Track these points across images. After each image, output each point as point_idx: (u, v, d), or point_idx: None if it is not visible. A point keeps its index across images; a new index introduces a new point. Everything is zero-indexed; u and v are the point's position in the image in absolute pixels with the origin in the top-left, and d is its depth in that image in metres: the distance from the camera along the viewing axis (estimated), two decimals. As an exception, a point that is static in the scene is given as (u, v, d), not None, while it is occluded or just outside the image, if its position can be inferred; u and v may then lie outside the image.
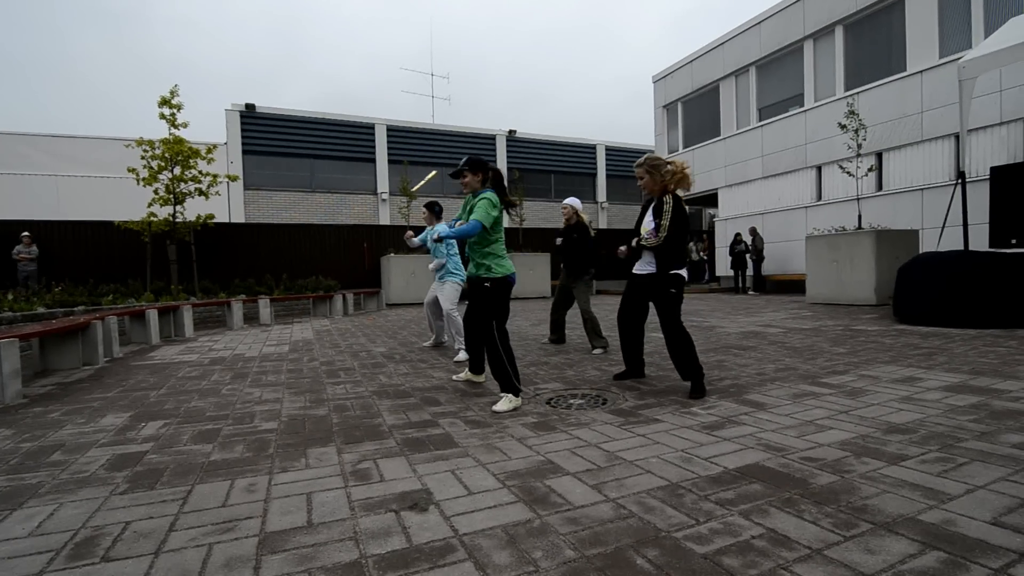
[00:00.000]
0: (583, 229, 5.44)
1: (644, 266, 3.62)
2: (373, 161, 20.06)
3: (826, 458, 2.19)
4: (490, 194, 3.43)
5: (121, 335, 6.74)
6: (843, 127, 9.53)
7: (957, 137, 10.31)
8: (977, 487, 1.86)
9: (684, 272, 3.55)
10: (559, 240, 5.61)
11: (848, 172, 9.62)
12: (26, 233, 11.20)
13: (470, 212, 3.46)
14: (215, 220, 11.86)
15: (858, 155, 9.57)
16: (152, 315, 6.86)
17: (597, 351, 5.23)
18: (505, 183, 3.63)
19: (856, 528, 1.60)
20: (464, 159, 3.53)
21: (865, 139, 9.63)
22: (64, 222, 12.57)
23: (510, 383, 3.34)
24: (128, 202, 12.41)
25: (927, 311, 6.19)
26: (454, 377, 4.12)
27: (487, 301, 3.44)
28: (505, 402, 3.29)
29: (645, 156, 3.59)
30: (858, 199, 10.13)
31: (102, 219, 12.63)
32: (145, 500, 2.01)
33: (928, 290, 6.26)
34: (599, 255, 5.73)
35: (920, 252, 9.38)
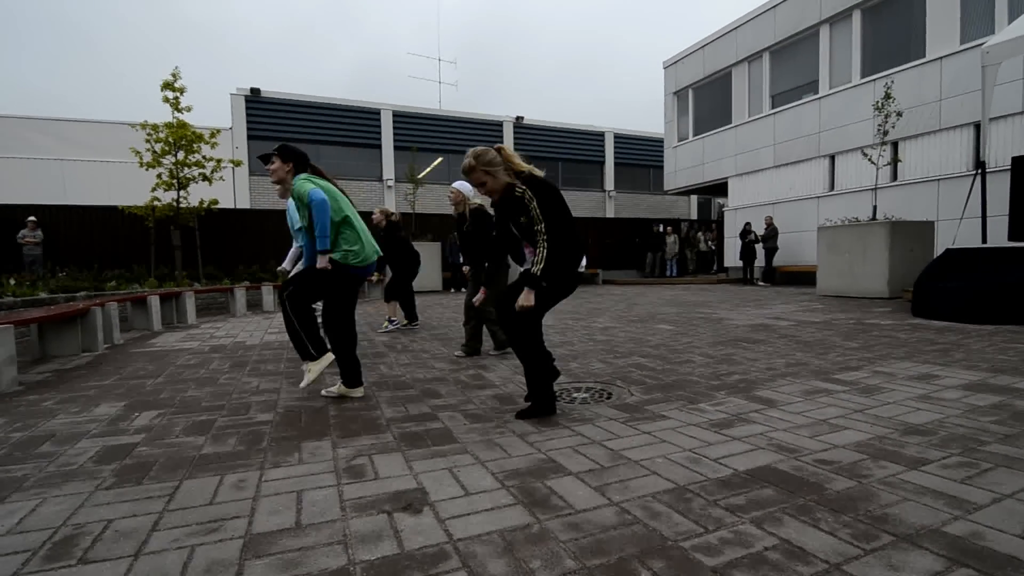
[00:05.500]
0: (480, 215, 4.64)
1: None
2: (379, 147, 19.91)
3: (841, 461, 2.09)
4: (298, 178, 3.04)
5: (123, 321, 6.72)
6: (878, 108, 9.21)
7: (976, 126, 10.04)
8: (1004, 495, 1.75)
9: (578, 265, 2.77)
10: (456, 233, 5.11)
11: (871, 160, 9.34)
12: (31, 217, 11.19)
13: (305, 207, 3.07)
14: (219, 206, 11.79)
15: (883, 142, 9.29)
16: (154, 301, 6.82)
17: (458, 354, 4.61)
18: (333, 182, 3.18)
19: (877, 540, 1.50)
20: (278, 145, 3.17)
21: (895, 125, 9.30)
22: (69, 207, 12.55)
23: (306, 350, 3.16)
24: (133, 187, 12.36)
25: (948, 308, 6.04)
26: (323, 392, 3.35)
27: (320, 277, 3.08)
28: (308, 375, 3.18)
29: (473, 155, 2.72)
30: (875, 189, 9.89)
31: (107, 204, 12.59)
32: (130, 496, 1.94)
33: (948, 286, 6.10)
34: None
35: (935, 244, 9.19)
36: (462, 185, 4.68)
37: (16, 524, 1.74)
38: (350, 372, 3.26)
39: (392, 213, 6.70)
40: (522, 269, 2.86)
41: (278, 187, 3.48)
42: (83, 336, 5.09)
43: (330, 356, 3.24)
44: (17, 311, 5.18)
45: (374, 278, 5.88)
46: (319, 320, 3.26)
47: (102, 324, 5.36)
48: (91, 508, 1.85)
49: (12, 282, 6.79)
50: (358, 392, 3.30)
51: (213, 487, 2.00)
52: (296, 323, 3.14)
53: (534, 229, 2.61)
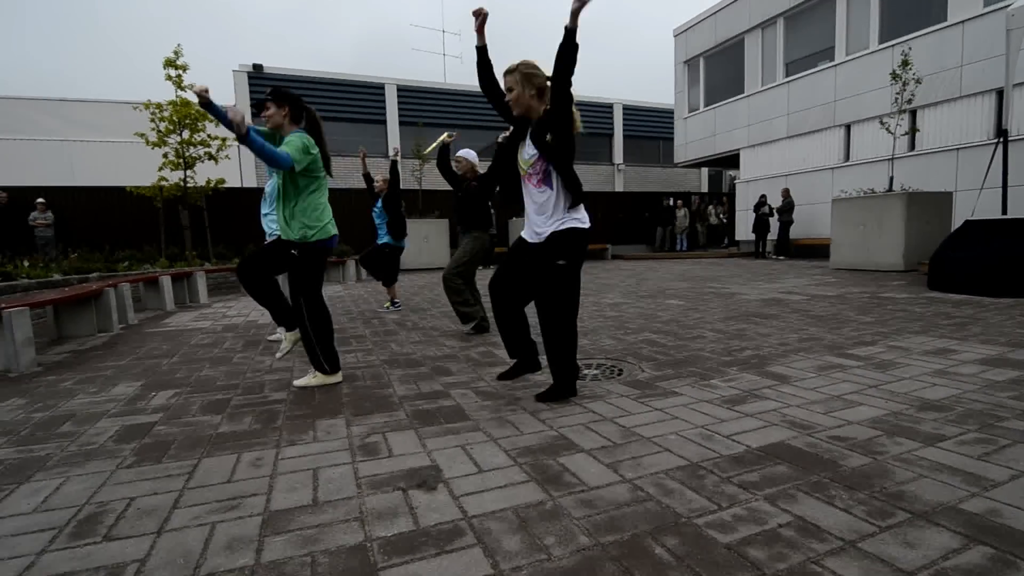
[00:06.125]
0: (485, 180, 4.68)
1: (534, 232, 2.63)
2: (384, 123, 19.69)
3: (856, 437, 2.08)
4: (301, 134, 2.94)
5: (136, 301, 6.78)
6: (895, 76, 8.93)
7: (999, 93, 9.70)
8: (1022, 472, 1.73)
9: (585, 223, 2.58)
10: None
11: (888, 129, 9.09)
12: (41, 199, 11.25)
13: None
14: (226, 185, 11.78)
15: (901, 111, 9.02)
16: (166, 281, 6.87)
17: (466, 327, 4.59)
18: (323, 133, 3.05)
19: (892, 517, 1.49)
20: (270, 89, 2.97)
21: (915, 94, 9.01)
22: (78, 188, 12.59)
23: (318, 362, 3.10)
24: (140, 167, 12.35)
25: (965, 280, 5.95)
26: (277, 356, 3.46)
27: (296, 272, 3.05)
28: (309, 377, 3.12)
29: (522, 62, 2.52)
30: (892, 159, 9.65)
31: (115, 184, 12.61)
32: (151, 474, 1.98)
33: (966, 256, 6.00)
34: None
35: (953, 216, 9.00)
36: (467, 152, 4.71)
37: (41, 502, 1.78)
38: (329, 356, 3.16)
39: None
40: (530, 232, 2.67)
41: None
42: (98, 317, 5.16)
43: (339, 377, 3.20)
44: (32, 293, 5.25)
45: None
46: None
47: (116, 305, 5.42)
48: (113, 486, 1.88)
49: (26, 264, 6.86)
50: (337, 377, 3.21)
51: (231, 465, 2.03)
52: (313, 336, 3.07)
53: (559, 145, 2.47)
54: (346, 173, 18.79)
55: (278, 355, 3.43)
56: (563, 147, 2.48)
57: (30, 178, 13.94)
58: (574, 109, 2.50)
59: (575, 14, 2.31)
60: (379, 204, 6.27)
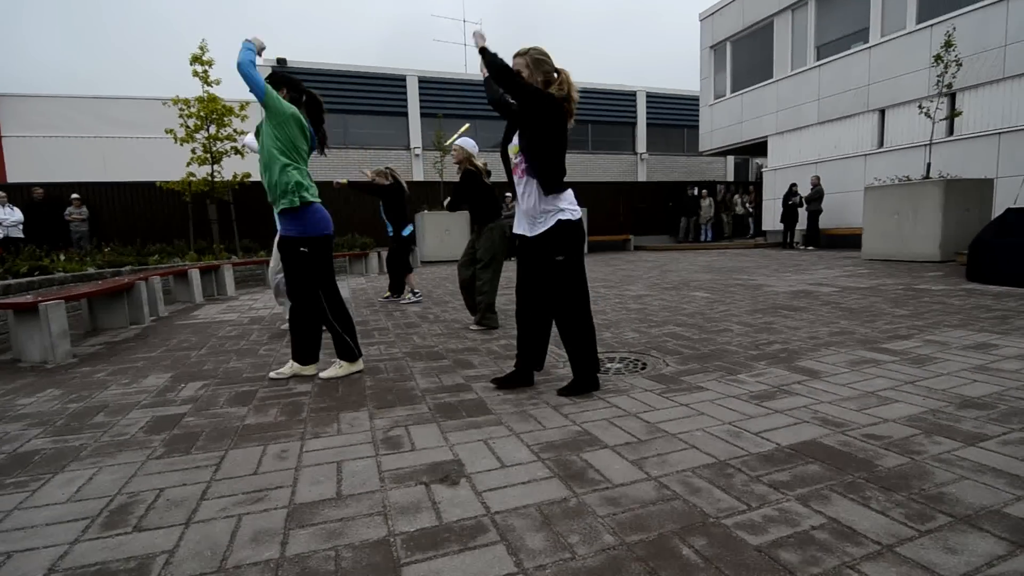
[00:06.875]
0: (469, 176, 4.62)
1: (526, 223, 2.67)
2: (405, 115, 19.72)
3: (892, 436, 2.00)
4: (294, 108, 2.92)
5: (167, 294, 6.95)
6: (938, 59, 8.57)
7: (1046, 72, 9.23)
8: (1074, 475, 1.64)
9: (575, 214, 2.59)
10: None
11: (927, 113, 8.72)
12: (75, 195, 11.60)
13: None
14: (252, 179, 11.96)
15: (941, 94, 8.64)
16: (194, 275, 7.03)
17: (474, 328, 4.48)
18: (323, 117, 3.06)
19: (932, 521, 1.43)
20: (269, 72, 2.91)
21: (955, 76, 8.64)
22: (110, 183, 12.94)
23: (347, 350, 3.15)
24: (171, 162, 12.64)
25: (1007, 271, 5.69)
26: (272, 375, 3.21)
27: (308, 266, 3.01)
28: (334, 368, 3.15)
29: (533, 47, 2.58)
30: (930, 145, 9.27)
31: (146, 180, 12.93)
32: (180, 465, 2.01)
33: (1008, 244, 5.73)
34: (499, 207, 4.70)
35: (993, 203, 8.62)
36: (464, 142, 4.68)
37: (75, 492, 1.83)
38: (354, 343, 3.21)
39: (391, 171, 6.23)
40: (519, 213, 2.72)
41: None
42: (130, 309, 5.30)
43: (361, 364, 3.26)
44: (68, 286, 5.42)
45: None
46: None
47: (147, 297, 5.55)
48: (143, 477, 1.93)
49: (62, 258, 7.09)
50: (359, 365, 3.26)
51: (257, 457, 2.06)
52: (339, 326, 3.12)
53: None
54: (368, 164, 18.89)
55: (272, 375, 3.22)
56: (535, 135, 2.52)
57: (65, 174, 14.37)
58: (566, 102, 2.54)
59: (478, 47, 2.56)
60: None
